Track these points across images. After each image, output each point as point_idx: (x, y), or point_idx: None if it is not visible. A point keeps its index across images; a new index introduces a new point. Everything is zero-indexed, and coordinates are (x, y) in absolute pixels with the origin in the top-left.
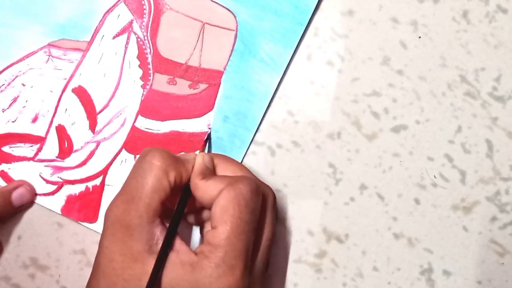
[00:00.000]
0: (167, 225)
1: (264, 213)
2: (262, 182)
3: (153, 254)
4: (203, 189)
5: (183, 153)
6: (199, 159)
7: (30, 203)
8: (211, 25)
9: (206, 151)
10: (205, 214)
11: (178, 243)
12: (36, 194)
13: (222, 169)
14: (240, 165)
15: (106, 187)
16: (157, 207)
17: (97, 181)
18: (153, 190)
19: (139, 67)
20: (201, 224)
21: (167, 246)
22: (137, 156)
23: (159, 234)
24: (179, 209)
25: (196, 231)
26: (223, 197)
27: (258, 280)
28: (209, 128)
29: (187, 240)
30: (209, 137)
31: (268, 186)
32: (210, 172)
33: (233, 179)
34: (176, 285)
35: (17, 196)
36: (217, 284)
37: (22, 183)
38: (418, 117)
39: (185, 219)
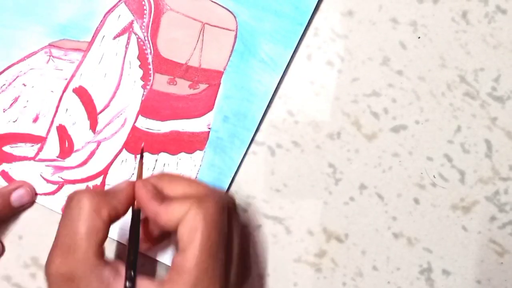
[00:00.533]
0: (115, 263)
1: (230, 227)
2: (222, 192)
3: None
4: (166, 214)
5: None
6: (141, 187)
7: (30, 203)
8: (211, 25)
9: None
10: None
11: (138, 280)
12: (36, 194)
13: (171, 191)
14: (188, 180)
15: (106, 187)
16: (97, 249)
17: (98, 181)
18: (88, 233)
19: (140, 67)
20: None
21: (133, 282)
22: (137, 156)
23: (108, 275)
24: (132, 241)
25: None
26: (190, 218)
27: None
28: (209, 128)
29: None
30: (142, 153)
31: (227, 193)
32: (162, 195)
33: (198, 198)
34: None
35: (16, 197)
36: None
37: (22, 184)
38: (417, 117)
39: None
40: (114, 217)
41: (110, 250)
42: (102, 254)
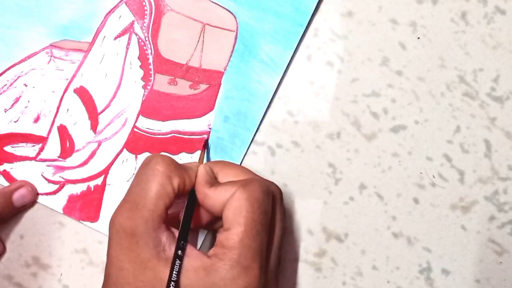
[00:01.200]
0: (173, 231)
1: (274, 212)
2: (269, 181)
3: (162, 261)
4: (214, 197)
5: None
6: (202, 169)
7: (31, 203)
8: (212, 26)
9: (205, 157)
10: (213, 222)
11: (188, 249)
12: (38, 194)
13: (224, 176)
14: (241, 167)
15: (107, 187)
16: (162, 213)
17: (99, 181)
18: (158, 196)
19: (140, 67)
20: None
21: (183, 252)
22: (138, 156)
23: (165, 240)
24: (187, 215)
25: (202, 236)
26: (235, 199)
27: (273, 279)
28: (210, 128)
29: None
30: (207, 144)
31: (274, 183)
32: (215, 180)
33: (244, 182)
34: None
35: (18, 196)
36: (232, 286)
37: (24, 184)
38: (417, 117)
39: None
40: (182, 189)
41: None
42: (165, 219)
